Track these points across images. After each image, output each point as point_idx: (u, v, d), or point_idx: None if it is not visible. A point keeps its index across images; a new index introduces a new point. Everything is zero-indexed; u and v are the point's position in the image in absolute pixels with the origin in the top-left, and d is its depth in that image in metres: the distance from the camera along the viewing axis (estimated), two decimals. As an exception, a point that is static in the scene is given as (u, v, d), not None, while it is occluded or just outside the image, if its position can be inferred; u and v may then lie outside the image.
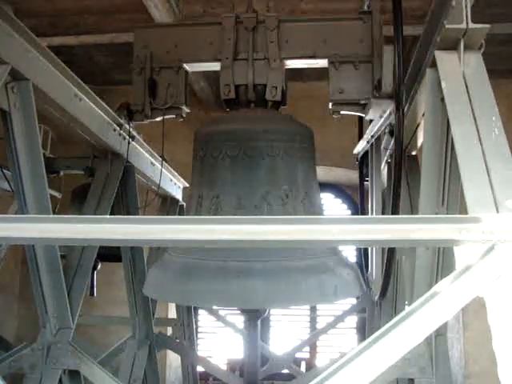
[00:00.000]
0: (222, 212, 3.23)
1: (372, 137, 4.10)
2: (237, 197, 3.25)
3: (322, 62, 3.78)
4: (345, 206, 10.19)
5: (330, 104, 3.74)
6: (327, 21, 3.83)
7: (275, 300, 3.03)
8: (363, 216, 5.08)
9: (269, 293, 2.95)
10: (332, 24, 3.78)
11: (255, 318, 3.79)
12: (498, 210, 1.87)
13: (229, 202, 3.25)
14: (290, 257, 3.03)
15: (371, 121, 4.05)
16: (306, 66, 3.91)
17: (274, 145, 3.32)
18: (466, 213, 1.89)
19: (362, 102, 3.64)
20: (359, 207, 5.77)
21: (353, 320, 9.45)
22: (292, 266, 3.01)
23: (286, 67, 3.73)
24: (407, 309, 1.66)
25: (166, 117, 3.86)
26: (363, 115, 3.83)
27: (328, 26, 3.76)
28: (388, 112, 3.39)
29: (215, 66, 3.75)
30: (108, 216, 1.92)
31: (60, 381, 3.52)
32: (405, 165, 3.62)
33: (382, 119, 3.52)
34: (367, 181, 4.96)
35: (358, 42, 3.68)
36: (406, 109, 3.34)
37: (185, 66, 3.82)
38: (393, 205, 3.12)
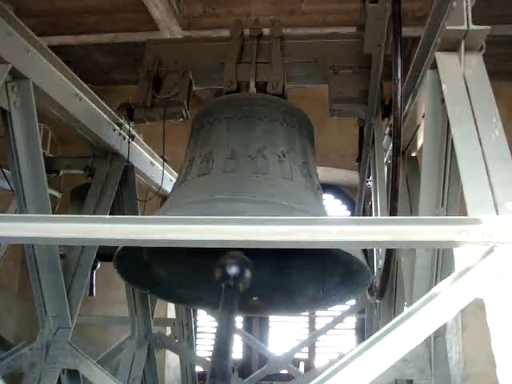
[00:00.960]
0: (213, 165, 3.09)
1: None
2: (231, 149, 3.11)
3: (322, 74, 3.85)
4: (344, 207, 10.19)
5: (330, 103, 3.76)
6: (327, 38, 3.99)
7: None
8: (363, 217, 5.07)
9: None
10: (331, 41, 3.94)
11: (233, 286, 2.65)
12: (497, 212, 1.87)
13: (221, 154, 3.11)
14: (282, 199, 2.82)
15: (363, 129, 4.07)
16: (306, 85, 4.00)
17: (273, 111, 3.29)
18: (466, 214, 1.89)
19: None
20: (361, 208, 5.77)
21: (352, 321, 9.45)
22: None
23: (289, 85, 3.80)
24: (406, 310, 1.66)
25: (167, 115, 3.86)
26: (363, 115, 3.84)
27: (327, 42, 3.92)
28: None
29: (218, 82, 3.81)
30: (107, 216, 1.92)
31: (59, 380, 3.51)
32: (405, 166, 3.63)
33: (381, 51, 3.46)
34: (367, 181, 4.96)
35: (358, 54, 3.75)
36: (406, 109, 3.34)
37: (190, 74, 3.88)
38: (391, 206, 3.12)
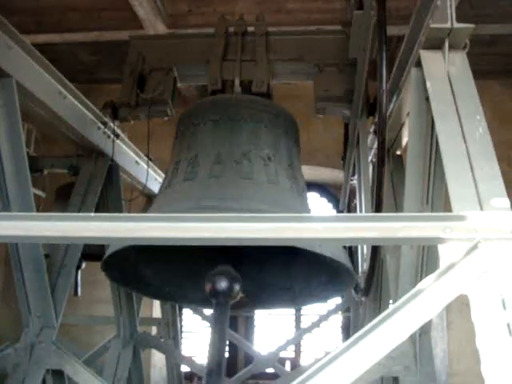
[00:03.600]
0: (199, 169, 3.09)
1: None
2: (216, 153, 3.12)
3: (308, 71, 3.86)
4: (330, 206, 10.20)
5: (315, 102, 3.76)
6: (312, 34, 3.99)
7: None
8: (348, 214, 5.09)
9: None
10: (316, 38, 3.94)
11: (224, 303, 2.90)
12: (482, 208, 1.88)
13: (207, 158, 3.12)
14: (268, 204, 2.89)
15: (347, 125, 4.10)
16: (291, 81, 4.01)
17: (258, 114, 3.30)
18: (451, 212, 1.89)
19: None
20: (346, 207, 5.78)
21: (338, 319, 9.47)
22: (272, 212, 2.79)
23: (274, 81, 3.81)
24: (391, 307, 1.66)
25: (151, 114, 3.85)
26: (347, 113, 3.84)
27: (312, 39, 3.90)
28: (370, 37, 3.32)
29: (203, 78, 3.80)
30: (92, 214, 1.91)
31: (43, 381, 3.49)
32: (389, 164, 3.64)
33: (367, 55, 3.45)
34: (352, 180, 4.97)
35: (342, 51, 3.76)
36: (390, 107, 3.35)
37: (175, 72, 3.87)
38: (376, 204, 3.13)
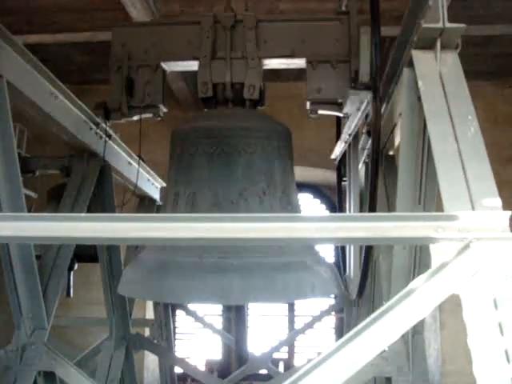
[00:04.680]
0: (197, 209, 3.19)
1: (349, 135, 4.11)
2: (213, 193, 3.22)
3: (300, 63, 3.79)
4: (323, 207, 10.21)
5: (308, 103, 3.74)
6: (305, 21, 3.83)
7: (251, 296, 3.00)
8: (340, 214, 5.09)
9: (245, 289, 2.93)
10: (310, 24, 3.78)
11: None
12: (473, 208, 1.88)
13: (205, 198, 3.22)
14: (266, 253, 3.01)
15: (346, 119, 4.06)
16: (283, 67, 3.91)
17: (251, 142, 3.32)
18: (443, 211, 1.89)
19: (340, 100, 3.64)
20: (337, 207, 5.79)
21: (331, 320, 9.48)
22: (269, 263, 2.98)
23: (265, 67, 3.73)
24: (383, 306, 1.66)
25: (143, 116, 3.82)
26: (341, 115, 3.84)
27: (306, 27, 3.77)
28: (365, 104, 3.37)
29: (193, 66, 3.74)
30: (83, 214, 1.90)
31: (35, 383, 3.47)
32: (382, 164, 3.64)
33: (360, 112, 3.50)
34: (345, 181, 4.98)
35: (336, 41, 3.69)
36: (383, 108, 3.35)
37: (163, 64, 3.80)
38: (370, 204, 3.13)
